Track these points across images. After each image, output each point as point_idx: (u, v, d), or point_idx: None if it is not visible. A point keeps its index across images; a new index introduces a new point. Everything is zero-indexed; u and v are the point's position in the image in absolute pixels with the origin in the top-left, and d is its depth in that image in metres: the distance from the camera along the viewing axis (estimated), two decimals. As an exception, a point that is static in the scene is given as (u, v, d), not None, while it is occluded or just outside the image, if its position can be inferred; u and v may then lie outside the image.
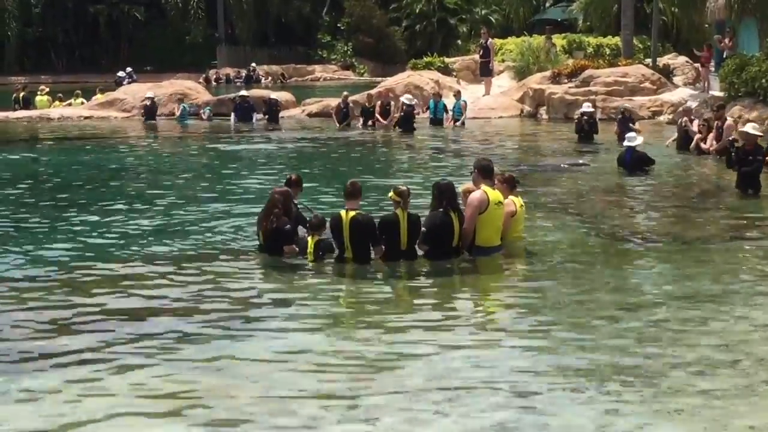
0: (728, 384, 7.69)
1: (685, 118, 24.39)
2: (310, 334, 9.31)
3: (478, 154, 21.68)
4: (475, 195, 12.17)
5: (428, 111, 33.22)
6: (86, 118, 36.90)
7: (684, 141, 23.82)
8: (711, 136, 22.55)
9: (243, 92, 38.08)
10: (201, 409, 7.37)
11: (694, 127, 23.68)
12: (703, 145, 22.65)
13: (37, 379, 8.08)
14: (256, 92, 41.10)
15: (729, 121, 22.15)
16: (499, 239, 12.40)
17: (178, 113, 36.46)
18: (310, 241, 12.28)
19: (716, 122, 22.69)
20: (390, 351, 8.70)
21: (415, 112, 32.20)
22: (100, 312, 10.16)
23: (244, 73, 66.88)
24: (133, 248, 13.45)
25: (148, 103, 36.52)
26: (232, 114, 35.53)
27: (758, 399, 7.40)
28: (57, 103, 41.25)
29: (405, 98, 31.90)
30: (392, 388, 7.72)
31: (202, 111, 37.11)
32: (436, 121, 32.44)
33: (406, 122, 30.87)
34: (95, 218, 15.85)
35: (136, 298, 10.73)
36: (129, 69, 57.30)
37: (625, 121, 25.51)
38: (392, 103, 33.18)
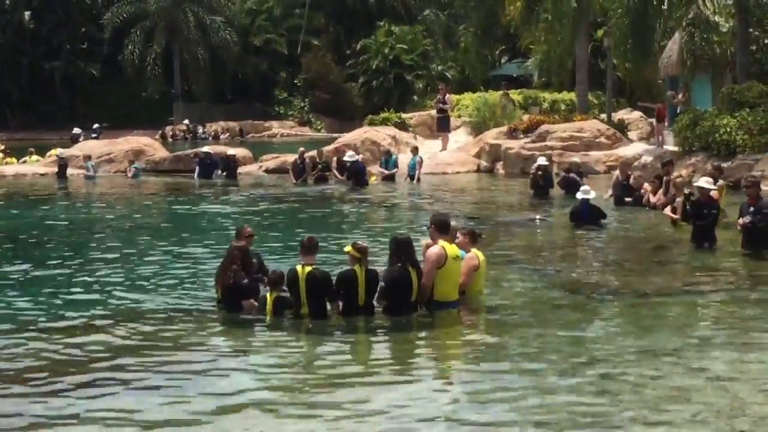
0: (687, 436, 7.68)
1: (618, 174, 24.76)
2: (266, 391, 9.24)
3: (433, 210, 21.73)
4: (433, 250, 12.16)
5: (380, 166, 33.38)
6: (42, 175, 36.69)
7: (620, 195, 23.98)
8: (660, 191, 22.74)
9: (206, 148, 38.04)
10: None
11: (632, 181, 23.97)
12: (652, 199, 22.81)
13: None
14: (214, 148, 41.05)
15: (673, 176, 22.34)
16: (457, 294, 12.38)
17: (84, 171, 36.40)
18: (269, 298, 12.21)
19: (665, 177, 22.91)
20: (345, 406, 8.63)
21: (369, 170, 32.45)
22: (52, 370, 10.02)
23: (200, 129, 67.11)
24: (87, 305, 13.29)
25: (62, 162, 36.36)
26: (197, 169, 35.51)
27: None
28: (9, 159, 41.03)
29: (347, 156, 32.03)
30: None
31: (128, 168, 36.78)
32: (388, 177, 32.55)
33: (358, 178, 30.96)
34: (49, 274, 15.71)
35: (87, 355, 10.60)
36: (96, 125, 57.19)
37: (570, 180, 25.76)
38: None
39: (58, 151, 37.61)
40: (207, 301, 13.29)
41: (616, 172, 25.50)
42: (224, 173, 35.24)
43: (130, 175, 36.02)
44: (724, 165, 26.66)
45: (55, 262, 16.97)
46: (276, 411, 8.59)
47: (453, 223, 13.19)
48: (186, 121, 67.57)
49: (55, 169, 36.41)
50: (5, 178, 36.55)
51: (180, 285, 14.70)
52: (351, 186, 30.64)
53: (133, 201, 28.81)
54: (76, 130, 54.88)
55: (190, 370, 9.97)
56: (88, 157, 37.36)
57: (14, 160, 41.10)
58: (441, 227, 12.47)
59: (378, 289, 12.02)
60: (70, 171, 36.93)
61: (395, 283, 11.96)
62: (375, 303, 12.10)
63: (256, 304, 12.34)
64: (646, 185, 23.44)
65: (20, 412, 8.66)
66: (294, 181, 32.70)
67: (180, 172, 36.74)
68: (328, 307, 12.07)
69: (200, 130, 67.53)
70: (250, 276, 12.62)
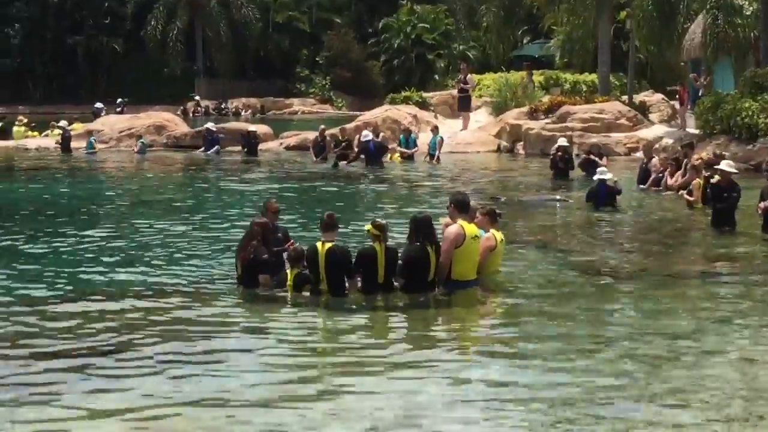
0: (702, 418, 7.72)
1: (643, 156, 24.73)
2: (284, 369, 9.25)
3: (453, 189, 21.72)
4: (452, 229, 12.18)
5: (399, 145, 33.34)
6: (64, 148, 36.82)
7: (643, 177, 23.95)
8: (678, 173, 22.65)
9: (209, 125, 38.41)
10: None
11: (653, 163, 23.90)
12: (669, 181, 22.73)
13: None
14: (235, 125, 41.37)
15: (693, 159, 22.26)
16: (475, 273, 12.39)
17: (84, 145, 36.64)
18: (290, 274, 12.25)
19: (684, 160, 22.83)
20: (364, 384, 8.69)
21: (389, 147, 32.37)
22: (70, 344, 10.06)
23: (223, 105, 67.35)
24: (107, 279, 13.35)
25: (65, 134, 36.60)
26: (204, 146, 36.13)
27: (732, 433, 7.44)
28: (30, 133, 41.23)
29: (362, 135, 31.90)
30: (366, 422, 7.71)
31: (135, 144, 36.97)
32: (408, 157, 32.52)
33: (369, 157, 30.93)
34: (68, 247, 15.78)
35: (108, 329, 10.63)
36: (120, 100, 57.40)
37: (590, 161, 25.75)
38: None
39: (62, 123, 37.72)
40: (224, 277, 13.33)
41: (640, 154, 25.44)
42: (245, 149, 35.45)
43: (136, 150, 36.21)
44: (748, 147, 26.71)
45: (61, 237, 16.90)
46: (294, 389, 8.60)
47: (472, 202, 13.20)
48: (197, 98, 67.69)
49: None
50: (28, 151, 36.86)
51: (195, 261, 14.72)
52: (369, 166, 30.55)
53: (136, 176, 29.14)
54: (98, 105, 54.96)
55: (208, 347, 10.00)
56: (89, 133, 37.50)
57: (36, 133, 41.31)
58: (460, 206, 12.47)
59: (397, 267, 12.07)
60: (83, 144, 37.24)
61: (413, 261, 11.98)
62: (394, 280, 12.15)
63: (270, 280, 12.36)
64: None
65: (32, 388, 8.68)
66: (314, 159, 32.78)
67: (200, 147, 37.07)
68: (347, 284, 12.13)
69: (222, 106, 67.63)
70: (271, 252, 12.64)
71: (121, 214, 20.38)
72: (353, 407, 8.08)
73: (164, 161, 33.79)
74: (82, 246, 15.96)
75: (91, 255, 15.17)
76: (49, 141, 39.04)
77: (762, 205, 16.40)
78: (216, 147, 36.01)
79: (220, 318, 11.28)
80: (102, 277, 13.50)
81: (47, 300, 12.13)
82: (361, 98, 70.63)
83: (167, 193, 24.50)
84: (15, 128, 41.84)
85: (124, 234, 17.30)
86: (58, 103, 69.10)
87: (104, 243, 16.26)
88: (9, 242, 16.43)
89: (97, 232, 17.53)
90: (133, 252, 15.45)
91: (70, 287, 12.93)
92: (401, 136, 33.89)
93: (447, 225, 12.52)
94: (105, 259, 14.85)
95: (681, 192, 21.08)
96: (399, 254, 12.14)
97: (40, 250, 15.60)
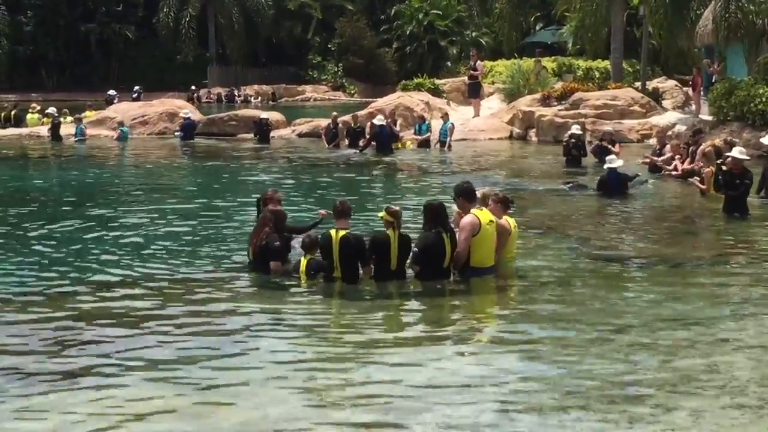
0: (716, 404, 7.72)
1: (656, 143, 24.78)
2: (296, 355, 9.28)
3: (466, 175, 21.70)
4: (467, 219, 12.13)
5: (414, 133, 33.28)
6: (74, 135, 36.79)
7: (656, 164, 23.96)
8: (687, 160, 22.64)
9: (184, 112, 38.77)
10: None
11: (667, 150, 23.90)
12: (679, 167, 22.70)
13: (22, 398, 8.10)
14: (247, 112, 41.38)
15: (702, 146, 22.21)
16: (493, 260, 12.37)
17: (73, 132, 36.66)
18: (303, 261, 12.29)
19: (692, 147, 22.80)
20: (377, 370, 8.71)
21: (399, 133, 32.31)
22: (85, 332, 10.07)
23: (236, 92, 67.42)
24: (119, 267, 13.36)
25: (55, 122, 36.64)
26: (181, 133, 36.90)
27: (746, 419, 7.44)
28: (45, 119, 41.31)
29: (376, 120, 31.79)
30: (380, 411, 7.72)
31: (116, 130, 36.94)
32: (423, 143, 32.48)
33: (379, 143, 30.89)
34: (81, 235, 15.80)
35: (120, 318, 10.65)
36: (136, 87, 57.48)
37: (602, 148, 25.73)
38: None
39: (50, 110, 37.69)
40: (235, 264, 13.42)
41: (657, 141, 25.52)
42: (256, 136, 35.60)
43: (115, 137, 36.16)
44: (761, 134, 26.60)
45: (71, 225, 16.91)
46: (305, 375, 8.62)
47: (485, 189, 13.23)
48: (192, 87, 67.79)
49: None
50: (41, 138, 36.94)
51: (205, 247, 14.78)
52: (379, 153, 30.50)
53: (127, 163, 29.44)
54: (111, 92, 55.04)
55: (218, 334, 10.04)
56: (79, 120, 37.51)
57: (48, 120, 41.40)
58: (468, 196, 12.44)
59: (411, 254, 12.07)
60: (105, 132, 37.25)
61: (429, 249, 11.96)
62: (407, 268, 12.14)
63: (282, 267, 12.42)
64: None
65: (42, 377, 8.74)
66: (327, 146, 32.77)
67: (213, 135, 37.14)
68: (361, 271, 12.13)
69: (235, 93, 67.71)
70: (283, 239, 12.66)
71: (120, 202, 20.25)
72: (366, 393, 8.10)
73: (160, 147, 33.93)
74: (83, 235, 15.93)
75: (94, 244, 15.12)
76: (63, 129, 39.01)
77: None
78: (180, 133, 36.63)
79: (230, 305, 11.29)
80: (111, 266, 13.47)
81: (50, 290, 12.15)
82: (373, 85, 70.62)
83: (170, 180, 24.51)
84: (29, 116, 41.90)
85: (128, 222, 17.29)
86: (71, 91, 69.20)
87: (107, 232, 16.22)
88: (12, 230, 16.53)
89: (98, 220, 17.53)
90: (141, 240, 15.47)
91: (80, 272, 13.00)
92: (416, 124, 33.81)
93: (459, 215, 12.46)
94: (112, 247, 14.82)
95: (690, 180, 21.05)
96: (412, 241, 12.14)
97: (37, 238, 15.60)
